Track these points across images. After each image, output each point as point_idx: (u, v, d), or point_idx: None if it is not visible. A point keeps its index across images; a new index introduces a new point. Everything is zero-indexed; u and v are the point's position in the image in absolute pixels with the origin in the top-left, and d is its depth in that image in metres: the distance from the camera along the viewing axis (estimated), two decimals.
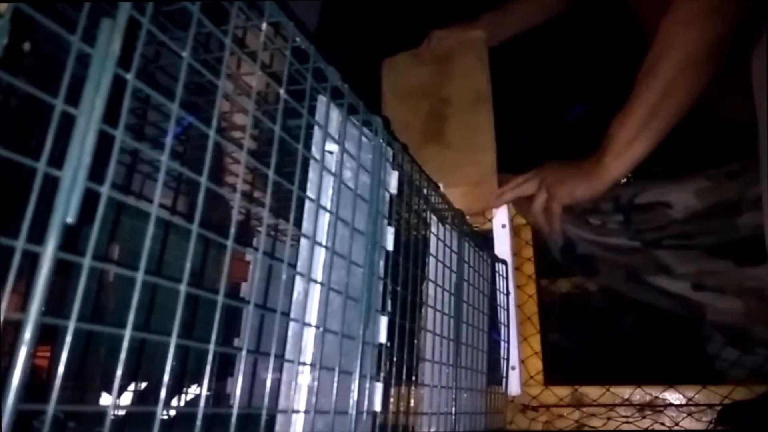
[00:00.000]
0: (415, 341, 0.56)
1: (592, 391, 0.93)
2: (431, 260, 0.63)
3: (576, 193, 0.91)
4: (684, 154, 1.04)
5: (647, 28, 0.94)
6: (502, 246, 1.02)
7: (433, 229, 0.67)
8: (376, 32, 1.43)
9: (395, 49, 1.19)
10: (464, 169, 1.01)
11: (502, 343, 0.94)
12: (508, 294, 0.98)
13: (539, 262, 1.04)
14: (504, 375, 0.94)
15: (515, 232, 1.05)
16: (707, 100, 0.86)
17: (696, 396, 0.87)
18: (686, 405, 0.87)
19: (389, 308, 0.50)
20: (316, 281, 0.40)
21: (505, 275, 0.98)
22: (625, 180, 0.99)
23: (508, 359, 0.95)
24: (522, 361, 0.97)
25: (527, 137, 1.33)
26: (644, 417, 0.88)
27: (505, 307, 0.97)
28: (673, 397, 0.88)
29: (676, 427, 0.86)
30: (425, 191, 0.63)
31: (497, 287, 0.96)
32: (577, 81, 1.30)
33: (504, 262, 0.99)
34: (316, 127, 0.39)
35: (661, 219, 0.91)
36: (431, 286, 0.63)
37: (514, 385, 0.96)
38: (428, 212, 0.63)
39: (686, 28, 0.77)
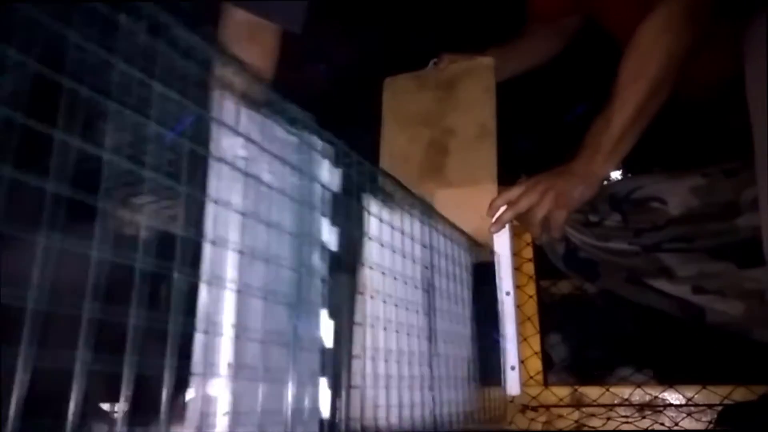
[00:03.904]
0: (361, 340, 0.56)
1: (592, 391, 0.92)
2: (390, 253, 0.63)
3: (584, 196, 0.91)
4: (685, 153, 1.03)
5: (618, 35, 0.99)
6: (502, 246, 1.02)
7: (386, 217, 0.64)
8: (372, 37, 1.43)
9: (394, 64, 1.15)
10: (463, 211, 0.95)
11: (501, 342, 0.94)
12: (507, 293, 0.98)
13: (539, 263, 1.03)
14: (503, 374, 0.94)
15: (515, 232, 1.04)
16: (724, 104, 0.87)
17: (696, 396, 0.85)
18: (686, 405, 0.86)
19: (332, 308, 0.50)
20: (250, 288, 0.41)
21: (500, 273, 0.97)
22: (623, 177, 0.98)
23: (506, 359, 0.94)
24: (522, 362, 0.97)
25: (527, 137, 1.32)
26: (644, 417, 0.87)
27: (505, 306, 0.96)
28: (673, 397, 0.87)
29: (675, 427, 0.84)
30: (383, 186, 0.62)
31: (495, 285, 0.95)
32: (577, 81, 1.28)
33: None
34: (220, 126, 0.40)
35: (659, 218, 0.90)
36: (391, 281, 0.62)
37: (513, 385, 0.95)
38: (366, 196, 0.61)
39: (668, 33, 0.83)
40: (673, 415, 0.85)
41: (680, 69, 0.84)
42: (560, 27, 1.20)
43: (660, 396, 0.87)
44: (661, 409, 0.87)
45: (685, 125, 1.06)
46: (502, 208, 0.95)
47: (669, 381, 0.88)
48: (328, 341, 0.48)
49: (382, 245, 0.58)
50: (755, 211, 0.77)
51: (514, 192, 0.94)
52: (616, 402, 0.90)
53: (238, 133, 0.41)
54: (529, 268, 1.03)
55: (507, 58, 1.14)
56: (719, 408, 0.82)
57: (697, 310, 0.88)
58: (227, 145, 0.42)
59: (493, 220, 0.96)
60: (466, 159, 1.01)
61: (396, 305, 0.61)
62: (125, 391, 0.29)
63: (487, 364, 0.89)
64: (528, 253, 1.04)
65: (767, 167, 0.72)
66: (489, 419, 0.84)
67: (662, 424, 0.85)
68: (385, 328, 0.57)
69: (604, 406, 0.90)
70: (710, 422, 0.82)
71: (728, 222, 0.85)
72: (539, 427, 0.93)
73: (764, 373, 0.81)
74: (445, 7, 1.40)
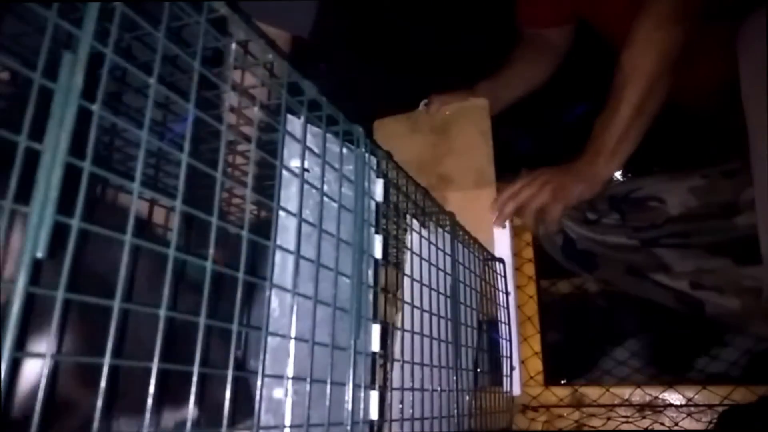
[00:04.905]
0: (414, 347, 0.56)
1: (592, 392, 0.93)
2: (422, 263, 0.63)
3: (583, 195, 0.93)
4: (684, 155, 1.04)
5: (613, 37, 1.01)
6: (502, 246, 1.01)
7: (424, 233, 0.66)
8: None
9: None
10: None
11: (503, 342, 0.94)
12: (508, 293, 0.98)
13: (540, 263, 1.04)
14: (506, 374, 0.94)
15: (515, 232, 1.04)
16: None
17: (696, 396, 0.86)
18: (686, 405, 0.87)
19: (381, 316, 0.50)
20: (306, 296, 0.40)
21: (503, 274, 0.97)
22: (622, 177, 1.00)
23: (510, 358, 0.94)
24: (522, 362, 0.97)
25: (527, 138, 1.32)
26: (644, 417, 0.88)
27: (505, 306, 0.96)
28: (673, 397, 0.88)
29: (675, 428, 0.85)
30: (414, 196, 0.62)
31: (497, 287, 0.95)
32: (577, 82, 1.29)
33: (501, 260, 0.98)
34: (293, 141, 0.38)
35: (657, 217, 0.91)
36: (425, 290, 0.62)
37: (514, 385, 0.95)
38: (409, 216, 0.63)
39: (660, 31, 0.85)
40: (673, 415, 0.87)
41: (675, 66, 0.86)
42: (548, 48, 1.19)
43: (660, 396, 0.88)
44: (661, 409, 0.88)
45: (685, 128, 1.08)
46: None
47: (669, 381, 0.90)
48: (376, 347, 0.49)
49: (420, 257, 0.58)
50: (754, 210, 0.79)
51: (516, 185, 0.95)
52: (616, 402, 0.91)
53: (305, 146, 0.39)
54: (530, 268, 1.03)
55: (498, 90, 1.12)
56: (719, 408, 0.84)
57: (697, 302, 0.90)
58: (291, 156, 0.40)
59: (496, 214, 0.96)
60: (464, 210, 0.92)
61: (430, 313, 0.62)
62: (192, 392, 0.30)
63: (489, 365, 0.89)
64: (528, 253, 1.04)
65: (765, 166, 0.74)
66: (496, 420, 0.84)
67: (662, 424, 0.87)
68: (421, 335, 0.57)
69: (604, 406, 0.91)
70: (710, 422, 0.84)
71: (727, 220, 0.86)
72: (539, 427, 0.94)
73: (764, 373, 0.84)
74: (430, 41, 1.38)
